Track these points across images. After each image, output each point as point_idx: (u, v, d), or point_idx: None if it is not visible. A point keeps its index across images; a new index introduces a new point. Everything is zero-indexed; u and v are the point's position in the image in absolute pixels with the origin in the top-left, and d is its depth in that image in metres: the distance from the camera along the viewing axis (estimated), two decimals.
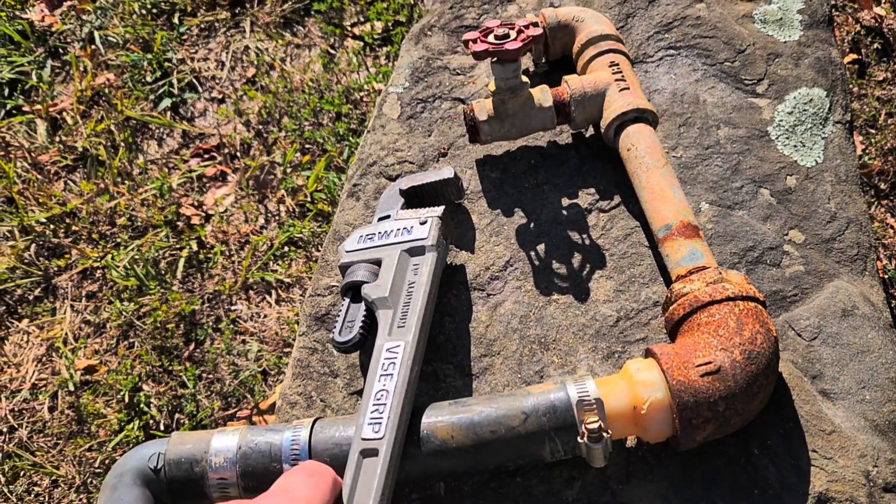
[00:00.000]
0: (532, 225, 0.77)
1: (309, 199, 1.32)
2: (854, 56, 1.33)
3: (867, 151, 1.24)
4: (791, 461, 0.62)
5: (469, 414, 0.59)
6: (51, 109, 1.50)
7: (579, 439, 0.57)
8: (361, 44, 1.52)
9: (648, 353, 0.62)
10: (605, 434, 0.56)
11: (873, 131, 1.26)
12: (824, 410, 0.64)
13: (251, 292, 1.23)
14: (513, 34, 0.69)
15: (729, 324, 0.60)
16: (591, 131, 0.83)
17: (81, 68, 1.56)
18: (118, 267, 1.25)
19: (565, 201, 0.79)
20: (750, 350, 0.58)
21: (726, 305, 0.61)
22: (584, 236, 0.76)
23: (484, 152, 0.83)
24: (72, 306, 1.25)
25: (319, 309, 0.75)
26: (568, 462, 0.64)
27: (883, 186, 1.22)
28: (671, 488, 0.62)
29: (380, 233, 0.70)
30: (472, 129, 0.78)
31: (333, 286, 0.76)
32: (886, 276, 1.08)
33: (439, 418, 0.59)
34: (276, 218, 1.32)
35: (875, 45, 1.32)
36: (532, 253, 0.76)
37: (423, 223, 0.69)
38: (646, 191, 0.71)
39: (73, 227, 1.33)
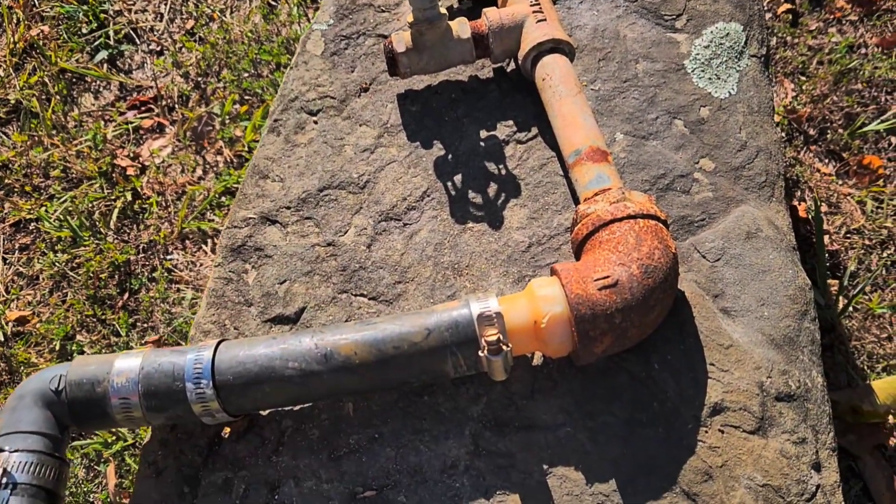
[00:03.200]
0: (450, 156, 0.78)
1: (247, 149, 1.30)
2: (788, 6, 1.35)
3: (798, 98, 1.26)
4: (690, 374, 0.64)
5: (373, 331, 0.60)
6: None
7: (480, 353, 0.58)
8: None
9: (553, 272, 0.63)
10: (504, 346, 0.57)
11: (804, 78, 1.28)
12: (724, 327, 0.66)
13: (187, 242, 1.22)
14: None
15: (628, 240, 0.61)
16: (513, 66, 0.83)
17: (14, 20, 1.52)
18: (51, 219, 1.23)
19: (484, 133, 0.79)
20: (647, 264, 0.59)
21: (626, 223, 0.62)
22: (501, 167, 0.77)
23: (406, 87, 0.83)
24: (4, 259, 1.23)
25: (236, 241, 0.75)
26: (474, 381, 0.65)
27: (812, 132, 1.24)
28: (573, 403, 0.63)
29: None
30: (391, 61, 0.78)
31: (250, 218, 0.76)
32: (809, 216, 1.10)
33: (343, 335, 0.60)
34: (214, 168, 1.31)
35: None
36: (449, 183, 0.76)
37: None
38: (558, 118, 0.72)
39: (6, 180, 1.30)
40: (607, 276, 0.59)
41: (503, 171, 0.76)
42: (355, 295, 0.71)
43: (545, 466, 0.61)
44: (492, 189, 0.76)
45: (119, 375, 0.59)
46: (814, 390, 0.64)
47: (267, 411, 0.66)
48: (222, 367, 0.59)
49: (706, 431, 0.61)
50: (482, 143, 0.78)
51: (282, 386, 0.59)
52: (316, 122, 0.82)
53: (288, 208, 0.76)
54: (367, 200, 0.76)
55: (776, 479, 0.60)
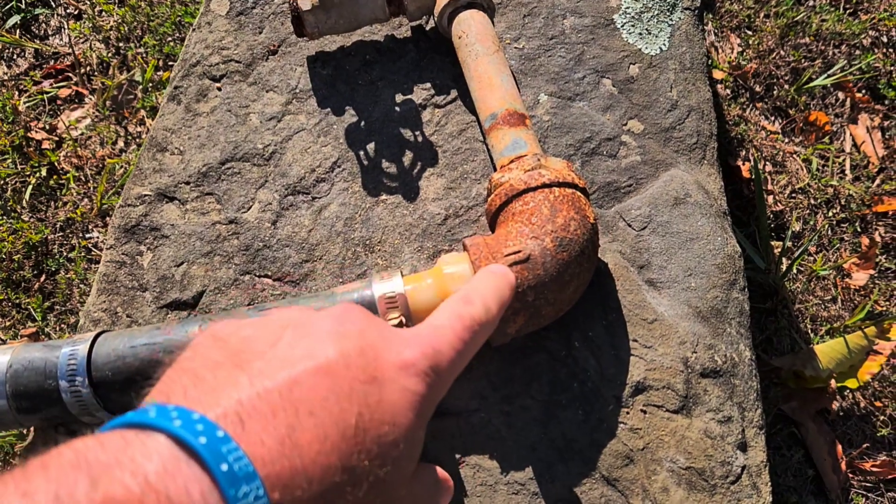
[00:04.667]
0: (363, 123, 0.72)
1: None
2: None
3: (744, 54, 1.22)
4: (612, 352, 0.60)
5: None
6: None
7: None
8: None
9: (463, 247, 0.58)
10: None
11: (750, 32, 1.24)
12: (648, 300, 0.62)
13: (108, 219, 1.15)
14: None
15: (542, 211, 0.56)
16: (431, 25, 0.77)
17: None
18: None
19: (399, 97, 0.73)
20: (562, 237, 0.55)
21: (541, 192, 0.57)
22: (417, 133, 0.72)
23: (317, 49, 0.77)
24: None
25: (130, 220, 0.69)
26: None
27: (758, 89, 1.20)
28: (489, 386, 0.59)
29: None
30: (297, 20, 0.71)
31: (146, 195, 0.70)
32: (751, 177, 1.07)
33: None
34: (136, 140, 1.23)
35: None
36: (361, 153, 0.71)
37: None
38: (475, 80, 0.67)
39: None
40: (518, 251, 0.55)
41: (419, 138, 0.71)
42: (259, 276, 0.66)
43: (457, 456, 0.57)
44: (407, 158, 0.70)
45: None
46: (741, 365, 0.61)
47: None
48: (99, 361, 0.54)
49: (628, 412, 0.58)
50: (397, 109, 0.73)
51: None
52: (219, 89, 0.76)
53: (187, 183, 0.70)
54: (273, 173, 0.70)
55: (700, 461, 0.56)
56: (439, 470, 0.39)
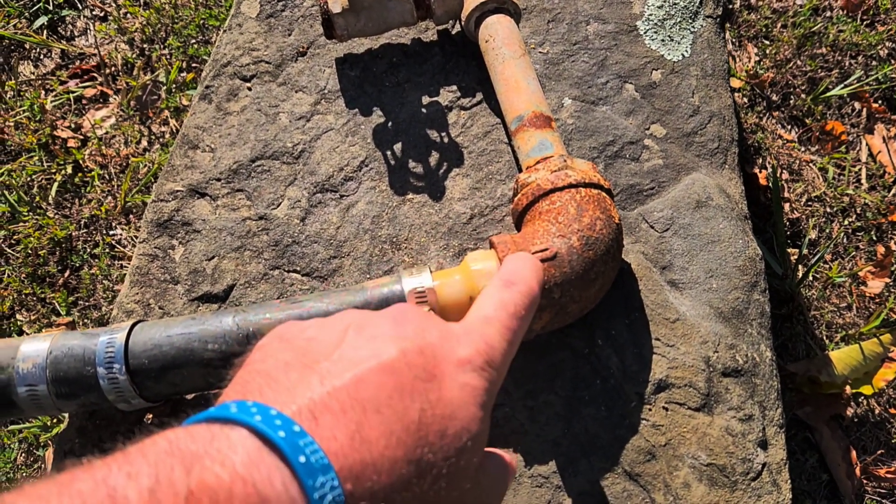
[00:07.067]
0: (390, 124, 0.74)
1: None
2: None
3: (761, 63, 1.23)
4: (634, 350, 0.61)
5: (298, 310, 0.56)
6: None
7: None
8: None
9: (490, 245, 0.60)
10: None
11: (767, 42, 1.25)
12: (670, 300, 0.63)
13: (131, 216, 1.17)
14: None
15: (569, 210, 0.58)
16: (457, 28, 0.79)
17: None
18: None
19: (426, 99, 0.75)
20: (588, 236, 0.56)
21: (567, 192, 0.59)
22: (443, 134, 0.73)
23: (345, 51, 0.78)
24: None
25: (162, 215, 0.71)
26: None
27: (775, 98, 1.21)
28: (512, 382, 0.60)
29: None
30: (327, 22, 0.73)
31: (178, 191, 0.72)
32: (768, 184, 1.08)
33: (266, 315, 0.56)
34: (160, 139, 1.25)
35: None
36: (388, 152, 0.72)
37: None
38: (501, 82, 0.68)
39: None
40: (546, 249, 0.56)
41: (445, 139, 0.73)
42: (288, 271, 0.67)
43: None
44: (433, 158, 0.72)
45: (25, 361, 0.55)
46: (762, 365, 0.62)
47: (192, 395, 0.62)
48: (136, 349, 0.55)
49: (650, 409, 0.59)
50: (424, 110, 0.74)
51: (201, 369, 0.56)
52: (250, 89, 0.77)
53: (218, 180, 0.72)
54: (302, 171, 0.72)
55: (721, 457, 0.57)
56: (504, 455, 0.40)
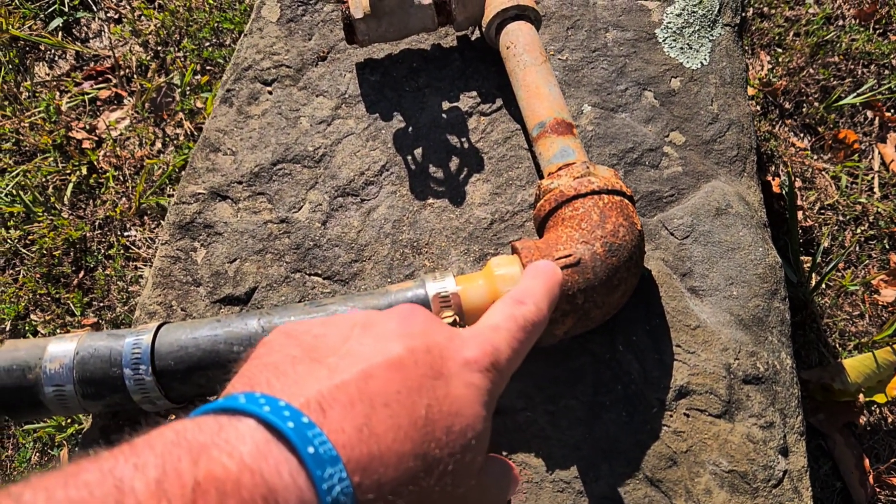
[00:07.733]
0: (410, 129, 0.74)
1: None
2: None
3: (774, 71, 1.24)
4: (655, 356, 0.61)
5: (322, 313, 0.56)
6: None
7: None
8: None
9: (513, 250, 0.60)
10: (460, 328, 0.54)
11: (780, 50, 1.25)
12: (691, 307, 0.63)
13: (145, 218, 1.18)
14: None
15: (592, 217, 0.58)
16: (477, 34, 0.79)
17: None
18: (3, 193, 1.18)
19: (446, 105, 0.75)
20: (612, 242, 0.57)
21: (590, 199, 0.59)
22: (463, 140, 0.73)
23: (365, 56, 0.79)
24: None
25: (184, 217, 0.71)
26: None
27: (787, 105, 1.21)
28: (534, 386, 0.61)
29: None
30: (348, 27, 0.73)
31: (200, 194, 0.72)
32: (783, 192, 1.08)
33: (291, 317, 0.56)
34: (174, 141, 1.26)
35: None
36: (409, 157, 0.73)
37: None
38: (522, 89, 0.69)
39: None
40: (569, 255, 0.56)
41: (465, 145, 0.73)
42: (309, 274, 0.68)
43: (504, 453, 0.59)
44: (453, 163, 0.72)
45: (52, 361, 0.55)
46: (782, 372, 0.62)
47: (214, 397, 0.63)
48: (162, 351, 0.56)
49: (671, 415, 0.59)
50: (444, 115, 0.75)
51: (226, 371, 0.56)
52: (270, 93, 0.78)
53: (239, 183, 0.73)
54: (323, 175, 0.72)
55: (742, 464, 0.58)
56: (508, 461, 0.41)
